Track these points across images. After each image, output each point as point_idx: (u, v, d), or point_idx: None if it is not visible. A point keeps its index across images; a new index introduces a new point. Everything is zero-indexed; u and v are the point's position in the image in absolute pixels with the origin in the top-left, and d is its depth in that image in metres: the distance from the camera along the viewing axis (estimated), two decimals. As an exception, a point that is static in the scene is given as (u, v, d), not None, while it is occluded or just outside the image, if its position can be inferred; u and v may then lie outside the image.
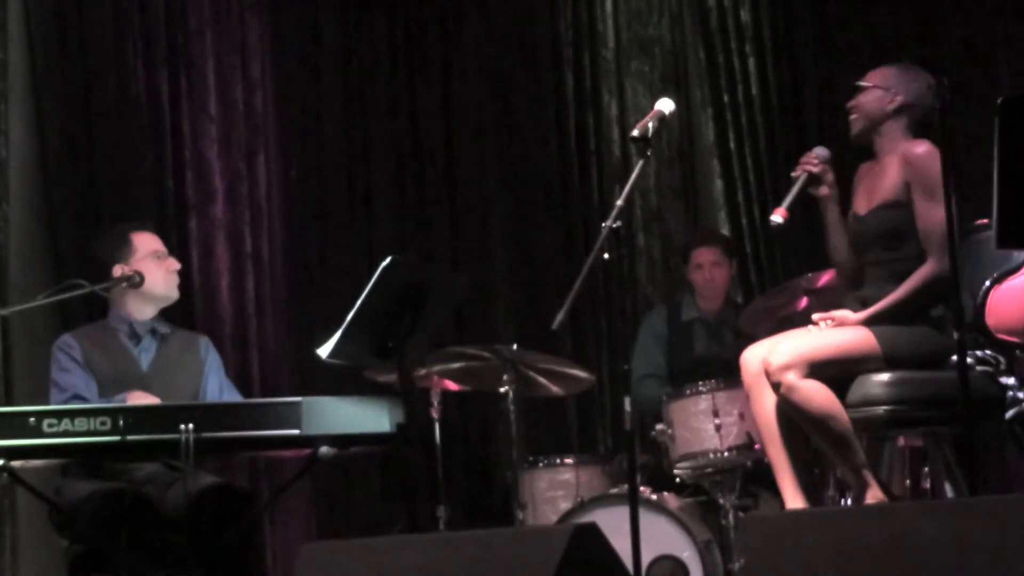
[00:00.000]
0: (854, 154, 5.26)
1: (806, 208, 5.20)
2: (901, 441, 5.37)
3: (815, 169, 5.05)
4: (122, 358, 5.36)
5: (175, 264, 5.50)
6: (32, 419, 4.56)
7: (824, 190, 5.08)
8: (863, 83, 5.07)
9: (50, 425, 4.56)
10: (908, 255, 4.91)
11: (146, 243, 5.45)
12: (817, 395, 4.75)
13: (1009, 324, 4.51)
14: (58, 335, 5.51)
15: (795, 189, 5.04)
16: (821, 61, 7.40)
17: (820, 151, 5.10)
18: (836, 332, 4.89)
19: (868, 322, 4.89)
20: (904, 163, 4.92)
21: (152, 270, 5.40)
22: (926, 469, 5.43)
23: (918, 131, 5.03)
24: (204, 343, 5.60)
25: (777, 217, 4.95)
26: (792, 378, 4.76)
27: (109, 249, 5.43)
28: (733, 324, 6.78)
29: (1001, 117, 3.76)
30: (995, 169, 3.77)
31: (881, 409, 4.77)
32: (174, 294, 5.52)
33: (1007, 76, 7.17)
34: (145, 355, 5.41)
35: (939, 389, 4.75)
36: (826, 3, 7.70)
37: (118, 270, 5.36)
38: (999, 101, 3.77)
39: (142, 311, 5.44)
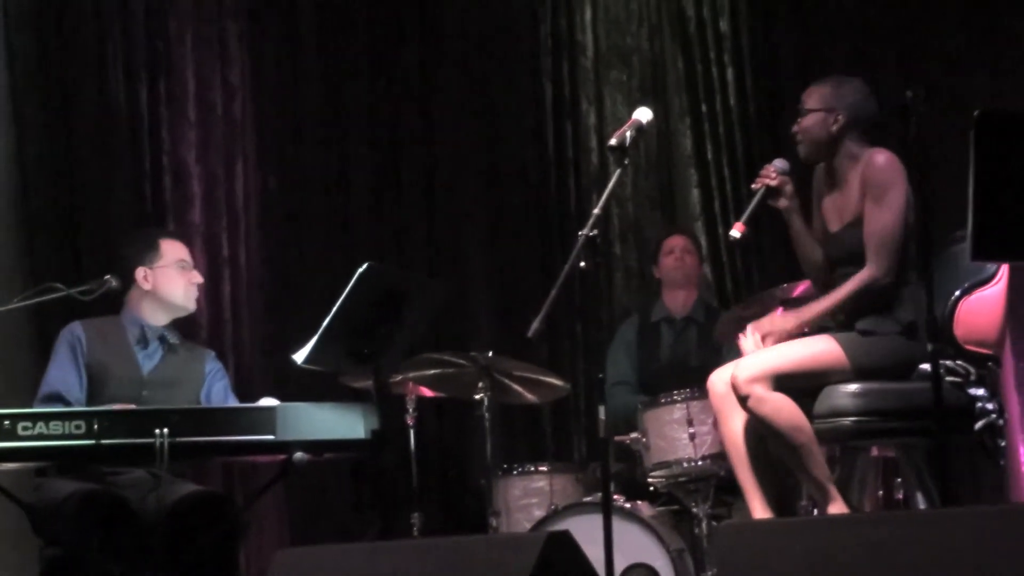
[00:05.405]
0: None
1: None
2: (874, 451, 5.39)
3: (773, 182, 5.03)
4: (125, 359, 5.37)
5: (197, 277, 5.55)
6: (7, 422, 4.56)
7: (784, 202, 5.06)
8: (804, 106, 5.03)
9: (25, 428, 4.56)
10: None
11: (173, 251, 5.49)
12: (784, 408, 4.76)
13: (979, 335, 4.53)
14: (33, 339, 5.48)
15: (754, 202, 5.04)
16: (799, 71, 7.40)
17: (778, 163, 5.09)
18: (802, 344, 4.89)
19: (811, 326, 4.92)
20: (863, 172, 4.91)
21: (174, 278, 5.44)
22: (898, 479, 5.46)
23: (873, 140, 5.00)
24: (210, 358, 5.63)
25: (735, 232, 4.95)
26: (759, 391, 4.76)
27: (136, 251, 5.46)
28: (701, 324, 6.80)
29: (977, 131, 3.77)
30: (971, 182, 3.78)
31: (848, 420, 4.78)
32: (191, 306, 5.55)
33: (987, 89, 7.20)
34: (148, 361, 5.42)
35: (906, 400, 4.76)
36: (804, 14, 7.72)
37: (140, 273, 5.39)
38: (975, 115, 3.79)
39: (155, 316, 5.47)
